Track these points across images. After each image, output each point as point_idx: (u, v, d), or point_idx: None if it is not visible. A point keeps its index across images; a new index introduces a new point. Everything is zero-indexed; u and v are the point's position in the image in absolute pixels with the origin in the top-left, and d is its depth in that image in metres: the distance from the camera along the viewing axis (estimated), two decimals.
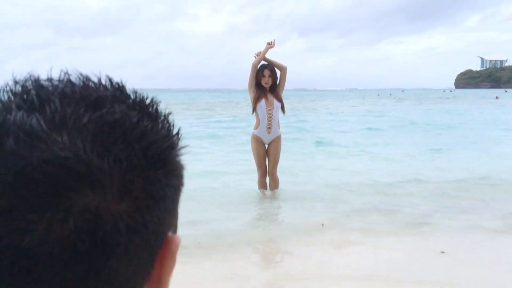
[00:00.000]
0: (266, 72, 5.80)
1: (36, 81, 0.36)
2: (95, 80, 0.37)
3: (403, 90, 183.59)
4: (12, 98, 0.35)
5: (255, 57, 5.90)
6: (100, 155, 0.32)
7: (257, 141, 5.95)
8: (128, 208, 0.33)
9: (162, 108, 0.39)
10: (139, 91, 0.38)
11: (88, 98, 0.35)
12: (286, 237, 4.39)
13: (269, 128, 5.87)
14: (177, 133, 0.39)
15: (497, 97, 55.94)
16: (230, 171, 7.63)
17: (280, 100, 5.86)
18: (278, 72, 5.90)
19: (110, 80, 0.38)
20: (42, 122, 0.32)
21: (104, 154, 0.32)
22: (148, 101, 0.38)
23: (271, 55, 5.96)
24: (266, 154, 6.00)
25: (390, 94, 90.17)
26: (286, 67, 5.95)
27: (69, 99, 0.34)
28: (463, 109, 32.53)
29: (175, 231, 0.41)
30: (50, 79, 0.36)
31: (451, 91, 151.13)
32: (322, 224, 4.67)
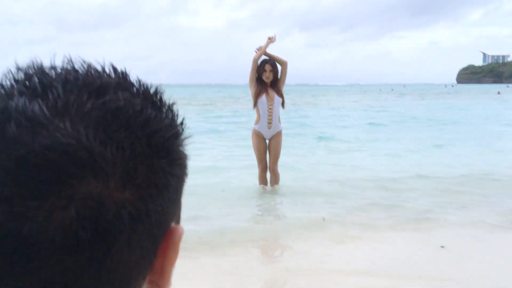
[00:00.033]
0: (267, 67, 5.79)
1: (39, 68, 0.35)
2: (99, 68, 0.37)
3: (404, 85, 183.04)
4: (15, 85, 0.34)
5: (256, 52, 5.88)
6: (103, 142, 0.32)
7: (258, 136, 5.94)
8: (131, 196, 0.33)
9: (166, 98, 0.39)
10: (143, 80, 0.38)
11: (91, 85, 0.34)
12: (287, 232, 4.39)
13: (269, 123, 5.86)
14: (181, 123, 0.39)
15: (498, 92, 55.80)
16: (230, 166, 7.63)
17: (281, 95, 5.85)
18: (279, 67, 5.88)
19: (114, 68, 0.37)
20: (44, 108, 0.31)
21: (107, 141, 0.32)
22: (152, 90, 0.38)
23: (272, 50, 5.95)
24: (267, 149, 5.99)
25: (392, 89, 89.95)
26: (286, 62, 5.93)
27: (72, 86, 0.34)
28: (465, 104, 32.46)
29: (178, 221, 0.41)
30: (53, 66, 0.36)
31: (452, 86, 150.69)
32: (323, 219, 4.67)
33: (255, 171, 6.11)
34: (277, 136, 5.94)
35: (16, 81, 0.35)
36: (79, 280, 0.32)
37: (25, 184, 0.30)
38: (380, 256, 3.78)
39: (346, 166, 7.93)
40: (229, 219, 4.75)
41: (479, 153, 9.42)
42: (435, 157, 8.95)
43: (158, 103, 0.37)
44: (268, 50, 5.89)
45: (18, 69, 0.35)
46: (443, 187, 6.16)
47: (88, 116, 0.32)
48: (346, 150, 10.11)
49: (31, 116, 0.31)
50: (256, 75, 5.83)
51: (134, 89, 0.37)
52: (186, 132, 0.39)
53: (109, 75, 0.37)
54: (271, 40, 5.88)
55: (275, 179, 6.03)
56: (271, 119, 5.85)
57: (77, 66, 0.36)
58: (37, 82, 0.34)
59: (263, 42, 5.90)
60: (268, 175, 6.06)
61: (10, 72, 0.35)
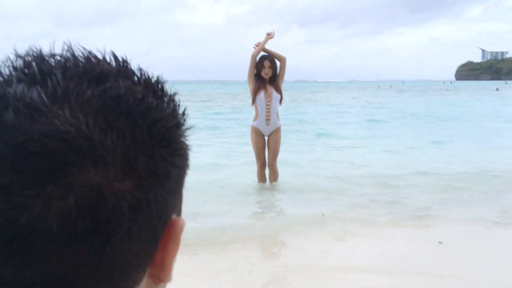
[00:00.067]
0: (266, 63, 5.76)
1: (38, 55, 0.35)
2: (99, 55, 0.36)
3: (403, 82, 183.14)
4: (13, 72, 0.34)
5: (255, 47, 5.85)
6: (103, 130, 0.31)
7: (257, 133, 5.93)
8: (131, 186, 0.32)
9: (168, 88, 0.38)
10: (144, 69, 0.37)
11: (91, 72, 0.34)
12: (286, 228, 4.38)
13: (267, 119, 5.84)
14: (183, 114, 0.38)
15: (497, 89, 55.90)
16: (230, 163, 7.61)
17: (279, 91, 5.83)
18: (277, 63, 5.86)
19: (115, 56, 0.36)
20: (43, 95, 0.31)
21: (107, 129, 0.31)
22: (154, 80, 0.37)
23: (271, 46, 5.92)
24: (266, 145, 5.98)
25: (391, 86, 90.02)
26: (285, 58, 5.91)
27: (71, 73, 0.33)
28: (463, 100, 32.49)
29: (179, 213, 0.40)
30: (52, 54, 0.35)
31: (451, 82, 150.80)
32: (323, 214, 4.67)
33: (254, 168, 6.09)
34: (275, 133, 5.92)
35: (14, 68, 0.34)
36: (78, 272, 0.31)
37: (22, 172, 0.29)
38: (380, 252, 3.77)
39: (345, 162, 7.92)
40: (229, 216, 4.74)
41: (478, 149, 9.42)
42: (434, 154, 8.94)
43: (160, 92, 0.37)
44: (267, 46, 5.85)
45: (17, 56, 0.35)
46: (442, 184, 6.15)
47: (88, 103, 0.32)
48: (345, 146, 10.11)
49: (29, 103, 0.30)
50: (255, 71, 5.81)
51: (135, 77, 0.36)
52: (188, 123, 0.38)
53: (109, 63, 0.36)
54: (269, 36, 5.85)
55: (274, 176, 6.02)
56: (269, 116, 5.83)
57: (77, 54, 0.35)
58: (36, 69, 0.33)
59: (262, 38, 5.87)
60: (267, 171, 6.05)
61: (8, 59, 0.35)
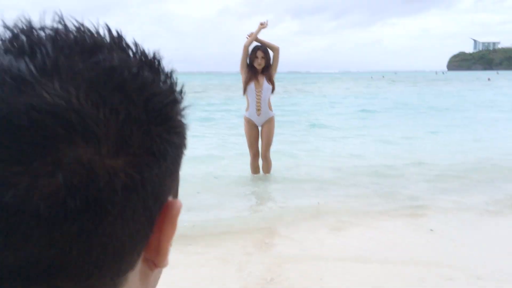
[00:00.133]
0: (259, 54, 5.69)
1: (27, 26, 0.32)
2: (92, 28, 0.34)
3: (396, 73, 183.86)
4: (0, 43, 0.32)
5: (247, 38, 5.75)
6: (95, 104, 0.29)
7: (249, 123, 5.89)
8: (125, 164, 0.30)
9: (166, 64, 0.36)
10: (140, 44, 0.35)
11: (83, 43, 0.32)
12: (280, 220, 4.36)
13: (258, 110, 5.78)
14: (181, 91, 0.36)
15: (489, 79, 56.30)
16: (223, 155, 7.56)
17: (271, 81, 5.74)
18: (271, 53, 5.77)
19: (109, 28, 0.34)
20: (31, 67, 0.29)
21: (99, 103, 0.29)
22: (150, 55, 0.35)
23: (263, 37, 5.86)
24: (259, 136, 5.90)
25: (383, 76, 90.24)
26: (278, 48, 5.82)
27: (62, 44, 0.31)
28: (456, 90, 32.66)
29: (176, 195, 0.39)
30: (42, 25, 0.33)
31: (443, 73, 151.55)
32: (318, 203, 4.65)
33: (248, 159, 6.05)
34: (268, 123, 5.85)
35: (2, 39, 0.32)
36: (67, 255, 0.29)
37: (7, 147, 0.27)
38: (374, 242, 3.77)
39: (339, 153, 7.90)
40: (223, 207, 4.71)
41: (472, 139, 9.45)
42: (428, 144, 8.96)
43: (157, 67, 0.35)
44: (260, 36, 5.79)
45: (5, 27, 0.32)
46: (436, 173, 6.17)
47: (80, 75, 0.30)
48: (339, 137, 10.08)
49: (16, 75, 0.28)
50: (248, 61, 5.72)
51: (130, 51, 0.34)
52: (186, 102, 0.37)
53: (103, 36, 0.34)
54: (263, 25, 5.76)
55: (267, 167, 5.97)
56: (259, 106, 5.76)
57: (68, 25, 0.33)
58: (25, 40, 0.31)
59: (255, 28, 5.78)
60: (261, 162, 6.00)
61: None
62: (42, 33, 0.32)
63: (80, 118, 0.28)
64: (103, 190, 0.29)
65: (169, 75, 0.35)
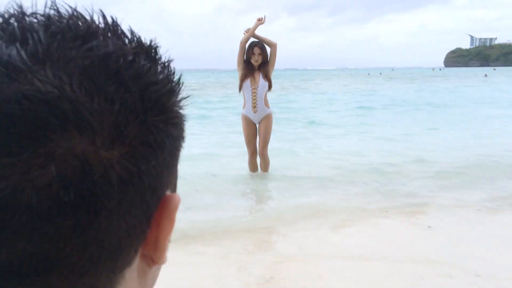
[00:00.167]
0: (256, 50, 5.65)
1: (19, 11, 0.31)
2: (86, 13, 0.32)
3: (392, 69, 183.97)
4: None
5: (245, 33, 5.72)
6: (89, 93, 0.28)
7: (246, 120, 5.87)
8: (120, 155, 0.29)
9: (163, 53, 0.35)
10: (136, 32, 0.34)
11: (77, 30, 0.31)
12: (279, 218, 4.34)
13: (254, 107, 5.75)
14: (178, 82, 0.35)
15: (486, 75, 56.41)
16: (221, 153, 7.53)
17: (267, 78, 5.70)
18: (268, 49, 5.74)
19: (103, 14, 0.33)
20: (23, 54, 0.28)
21: (93, 92, 0.28)
22: (147, 43, 0.34)
23: (260, 34, 5.80)
24: (257, 133, 5.88)
25: (380, 73, 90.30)
26: (276, 44, 5.79)
27: (55, 30, 0.30)
28: (454, 86, 32.70)
29: (174, 189, 0.37)
30: (34, 9, 0.32)
31: (440, 69, 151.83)
32: (317, 200, 4.65)
33: (246, 157, 6.01)
34: (265, 120, 5.82)
35: None
36: (61, 251, 0.28)
37: None
38: (373, 240, 3.76)
39: (338, 150, 7.89)
40: (222, 207, 4.69)
41: (470, 136, 9.45)
42: (427, 141, 8.95)
43: (153, 55, 0.33)
44: (258, 32, 5.74)
45: None
46: (435, 170, 6.16)
47: (73, 63, 0.29)
48: (338, 134, 10.07)
49: (7, 62, 0.27)
50: (245, 58, 5.69)
51: (126, 39, 0.33)
52: (184, 93, 0.35)
53: (97, 23, 0.32)
54: (260, 21, 5.71)
55: (265, 165, 5.94)
56: (255, 103, 5.73)
57: (61, 11, 0.32)
58: (16, 26, 0.30)
59: (252, 24, 5.73)
60: (259, 160, 5.97)
61: None
62: (34, 19, 0.31)
63: (74, 107, 0.27)
64: (98, 183, 0.28)
65: (166, 65, 0.34)
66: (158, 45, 0.34)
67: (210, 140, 8.95)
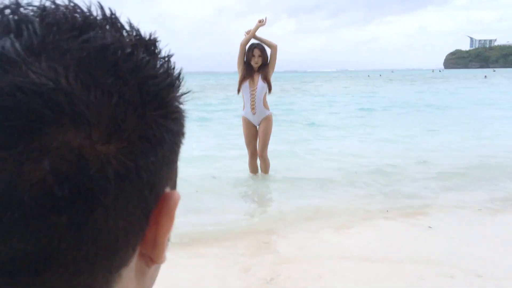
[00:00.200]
0: (256, 52, 5.65)
1: (14, 1, 0.30)
2: (83, 4, 0.31)
3: (392, 71, 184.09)
4: None
5: (245, 35, 5.73)
6: (86, 85, 0.27)
7: (246, 122, 5.88)
8: (118, 150, 0.28)
9: (163, 48, 0.34)
10: (135, 25, 0.33)
11: (73, 21, 0.30)
12: (280, 220, 4.33)
13: (253, 108, 5.76)
14: (178, 76, 0.34)
15: (485, 77, 56.48)
16: (221, 155, 7.52)
17: (266, 80, 5.70)
18: (268, 51, 5.74)
19: (101, 6, 0.32)
20: (17, 45, 0.27)
21: (90, 84, 0.27)
22: (146, 36, 0.33)
23: (261, 35, 5.80)
24: (258, 135, 5.89)
25: (380, 75, 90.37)
26: (276, 45, 5.79)
27: (51, 21, 0.29)
28: (454, 88, 32.73)
29: (174, 187, 0.36)
30: (30, 1, 0.31)
31: (440, 71, 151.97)
32: (318, 202, 4.64)
33: (247, 159, 6.01)
34: (265, 122, 5.82)
35: None
36: (55, 249, 0.27)
37: None
38: (374, 241, 3.76)
39: (339, 152, 7.88)
40: (222, 208, 4.68)
41: (471, 137, 9.45)
42: (428, 142, 8.95)
43: (152, 49, 0.32)
44: (258, 34, 5.74)
45: None
46: (437, 171, 6.16)
47: (69, 54, 0.28)
48: (338, 136, 10.07)
49: (0, 53, 0.26)
50: (245, 59, 5.70)
51: (125, 31, 0.32)
52: (184, 88, 0.34)
53: (95, 14, 0.32)
54: (261, 23, 5.72)
55: (265, 167, 5.94)
56: (254, 105, 5.74)
57: (57, 2, 0.31)
58: (11, 17, 0.29)
59: (252, 27, 5.74)
60: (259, 162, 5.96)
61: None
62: (29, 10, 0.30)
63: (69, 100, 0.26)
64: (94, 178, 0.27)
65: (166, 59, 0.33)
66: (158, 38, 0.33)
67: (210, 142, 8.94)
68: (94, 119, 0.27)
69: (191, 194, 4.92)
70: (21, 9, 0.30)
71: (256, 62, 5.67)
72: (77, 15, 0.30)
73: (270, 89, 5.75)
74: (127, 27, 0.32)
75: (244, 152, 6.08)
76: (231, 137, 9.24)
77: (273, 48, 5.76)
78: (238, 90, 5.80)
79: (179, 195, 0.34)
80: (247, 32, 5.72)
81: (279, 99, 19.91)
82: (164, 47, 0.33)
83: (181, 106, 0.34)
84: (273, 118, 5.96)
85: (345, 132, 10.67)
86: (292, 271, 3.23)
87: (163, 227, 0.33)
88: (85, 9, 0.31)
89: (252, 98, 5.72)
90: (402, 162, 6.78)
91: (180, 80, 0.34)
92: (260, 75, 5.68)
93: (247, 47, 5.71)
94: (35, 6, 0.30)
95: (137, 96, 0.29)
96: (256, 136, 5.89)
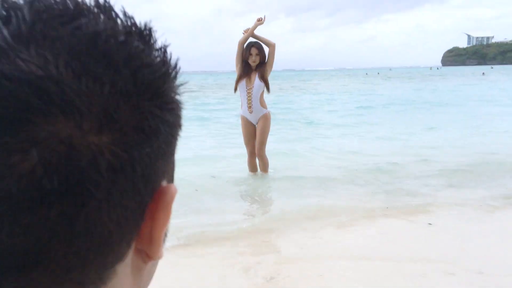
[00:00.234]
0: (253, 51, 5.64)
1: None
2: None
3: (390, 69, 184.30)
4: None
5: (244, 34, 5.71)
6: (77, 73, 0.26)
7: (244, 121, 5.87)
8: (110, 141, 0.27)
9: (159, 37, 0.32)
10: (130, 14, 0.31)
11: (64, 7, 0.28)
12: (280, 219, 4.31)
13: (249, 107, 5.74)
14: (175, 67, 0.32)
15: (483, 74, 56.59)
16: (220, 154, 7.51)
17: (263, 79, 5.67)
18: (266, 49, 5.73)
19: None
20: (5, 33, 0.26)
21: (81, 73, 0.26)
22: (141, 24, 0.31)
23: (260, 34, 5.78)
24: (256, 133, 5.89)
25: (378, 73, 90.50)
26: (274, 44, 5.77)
27: (40, 8, 0.28)
28: (452, 85, 32.78)
29: (170, 180, 0.35)
30: None
31: (437, 68, 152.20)
32: (318, 201, 4.61)
33: (246, 158, 6.00)
34: (262, 121, 5.81)
35: None
36: (45, 245, 0.26)
37: None
38: (375, 239, 3.75)
39: (338, 150, 7.87)
40: (222, 208, 4.66)
41: (471, 134, 9.46)
42: (427, 139, 8.94)
43: (147, 37, 0.31)
44: (257, 32, 5.73)
45: None
46: (437, 169, 6.14)
47: (59, 42, 0.26)
48: (338, 134, 10.06)
49: None
50: (243, 58, 5.68)
51: (118, 19, 0.30)
52: (180, 79, 0.33)
53: (87, 2, 0.30)
54: (260, 21, 5.70)
55: (263, 166, 5.92)
56: (250, 104, 5.73)
57: None
58: None
59: (251, 25, 5.72)
60: (258, 160, 5.95)
61: None
62: None
63: (59, 89, 0.25)
64: (85, 170, 0.26)
65: (161, 48, 0.32)
66: (153, 28, 0.32)
67: (209, 142, 8.93)
68: (85, 108, 0.26)
69: (190, 193, 4.90)
70: None
71: (253, 61, 5.65)
72: (68, 1, 0.29)
73: (268, 88, 5.73)
74: (121, 15, 0.30)
75: (243, 151, 6.06)
76: (230, 136, 9.22)
77: (271, 46, 5.74)
78: (235, 89, 5.80)
79: (176, 188, 0.33)
80: (246, 31, 5.70)
81: (278, 98, 19.90)
82: (160, 37, 0.32)
83: (177, 97, 0.33)
84: (271, 116, 5.94)
85: (344, 130, 10.66)
86: (292, 270, 3.22)
87: (159, 222, 0.32)
88: None
89: (248, 96, 5.71)
90: (402, 159, 6.77)
91: (177, 70, 0.32)
92: (257, 73, 5.67)
93: (245, 45, 5.69)
94: None
95: (131, 85, 0.28)
96: (255, 134, 5.87)
